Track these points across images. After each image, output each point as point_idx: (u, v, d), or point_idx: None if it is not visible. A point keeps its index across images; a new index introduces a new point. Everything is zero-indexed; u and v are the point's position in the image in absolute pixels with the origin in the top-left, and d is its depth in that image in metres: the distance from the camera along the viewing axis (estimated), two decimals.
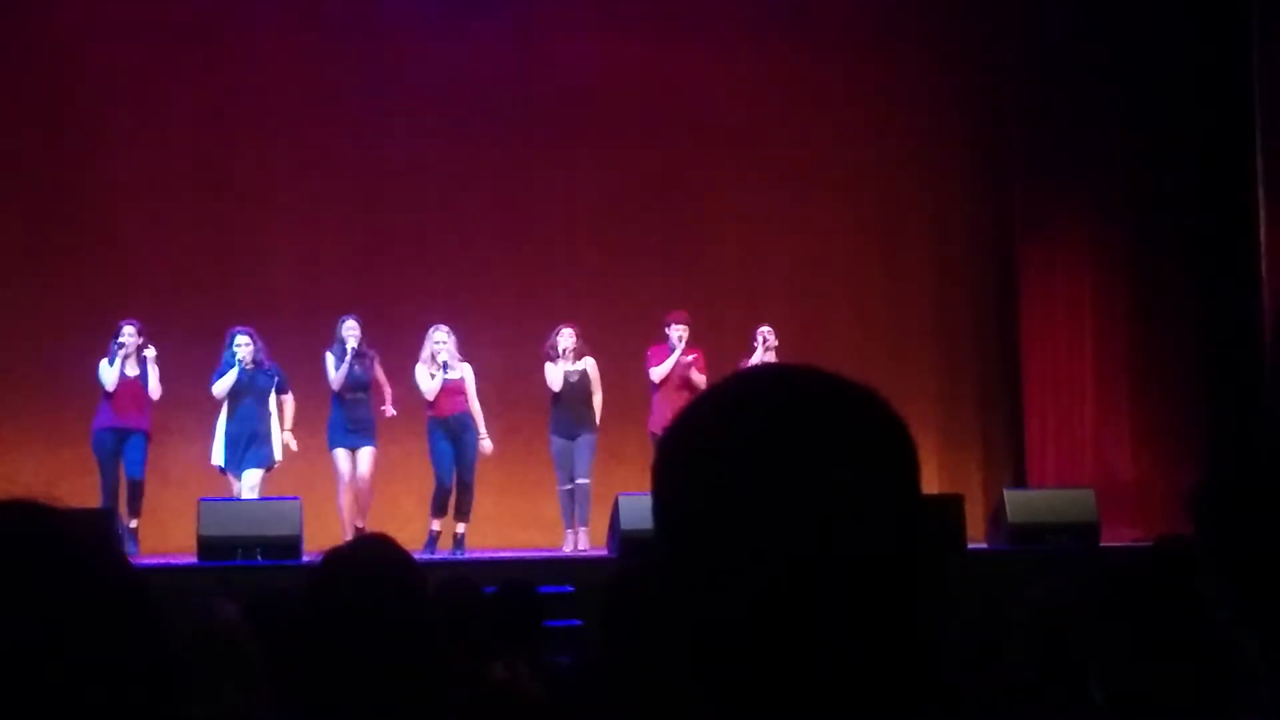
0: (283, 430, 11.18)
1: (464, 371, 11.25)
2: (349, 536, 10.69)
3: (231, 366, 11.04)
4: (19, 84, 12.75)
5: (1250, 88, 12.51)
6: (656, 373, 11.51)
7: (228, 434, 11.05)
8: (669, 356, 11.52)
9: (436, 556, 10.67)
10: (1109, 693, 2.52)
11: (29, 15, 12.78)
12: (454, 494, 11.21)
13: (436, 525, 11.16)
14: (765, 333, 11.58)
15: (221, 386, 11.05)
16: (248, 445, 11.01)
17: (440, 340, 11.17)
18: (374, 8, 13.32)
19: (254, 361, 11.06)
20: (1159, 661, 2.39)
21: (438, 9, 13.30)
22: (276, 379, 11.18)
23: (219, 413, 11.14)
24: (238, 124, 13.02)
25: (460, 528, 11.18)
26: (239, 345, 11.05)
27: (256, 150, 13.04)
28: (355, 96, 13.21)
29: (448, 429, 11.16)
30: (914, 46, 13.67)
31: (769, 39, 13.54)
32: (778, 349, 11.52)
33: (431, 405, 11.17)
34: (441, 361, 11.12)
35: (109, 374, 11.00)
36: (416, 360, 11.28)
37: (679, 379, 11.36)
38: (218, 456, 11.10)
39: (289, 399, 11.25)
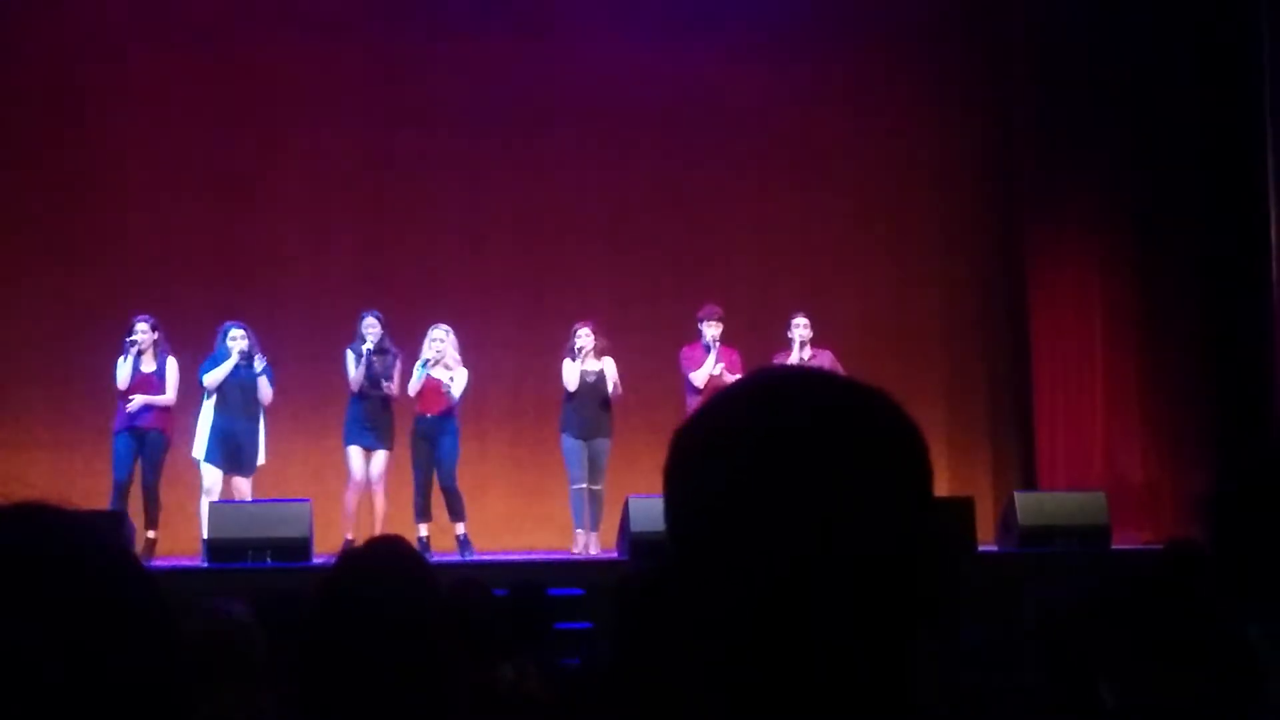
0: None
1: (457, 374, 11.18)
2: (349, 535, 10.70)
3: (225, 358, 10.91)
4: (29, 86, 12.77)
5: (1260, 89, 12.48)
6: (698, 377, 11.27)
7: (213, 429, 10.92)
8: (705, 357, 11.31)
9: (446, 558, 10.63)
10: (1119, 695, 2.52)
11: (39, 17, 12.79)
12: (443, 498, 11.13)
13: (424, 530, 11.00)
14: (801, 325, 11.45)
15: (214, 377, 10.89)
16: (233, 447, 10.90)
17: (436, 338, 11.12)
18: (384, 8, 13.33)
19: (248, 357, 10.95)
20: (1168, 664, 2.38)
21: (448, 9, 13.31)
22: (263, 373, 10.99)
23: (200, 405, 10.99)
24: (248, 124, 13.03)
25: (460, 529, 11.11)
26: (233, 339, 10.94)
27: (267, 150, 13.05)
28: (365, 96, 13.23)
29: (426, 428, 11.10)
30: (924, 49, 13.66)
31: (780, 41, 13.54)
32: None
33: (416, 402, 11.14)
34: (425, 358, 11.03)
35: (122, 371, 10.81)
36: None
37: (717, 384, 11.07)
38: (199, 449, 10.96)
39: (268, 388, 11.04)
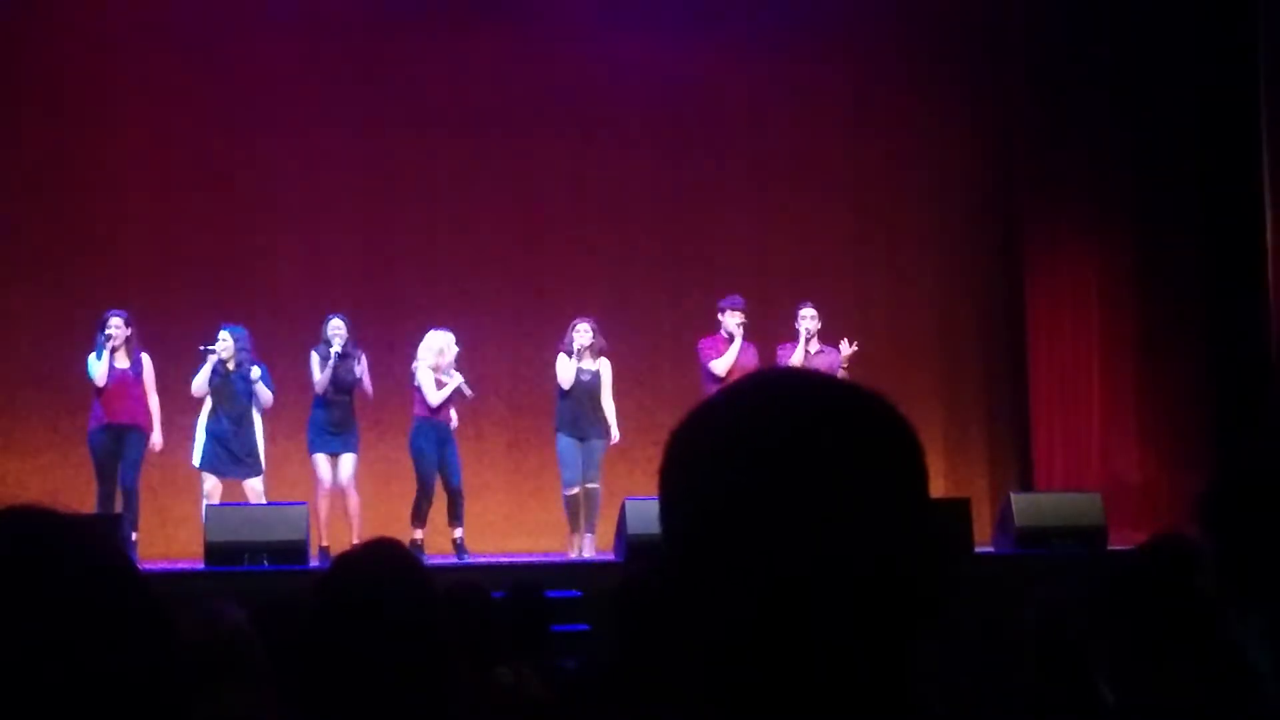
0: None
1: (456, 379, 11.10)
2: (324, 542, 10.68)
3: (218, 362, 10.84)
4: (23, 87, 12.76)
5: (1256, 89, 12.49)
6: (719, 365, 11.02)
7: (208, 434, 10.86)
8: (726, 347, 11.11)
9: (443, 561, 10.61)
10: (1118, 695, 2.52)
11: (33, 19, 12.79)
12: (448, 500, 11.09)
13: (418, 534, 10.92)
14: (808, 316, 11.31)
15: (196, 385, 10.84)
16: (232, 452, 10.84)
17: (448, 348, 11.05)
18: (379, 7, 13.33)
19: (236, 361, 10.87)
20: (1165, 662, 2.38)
21: (443, 8, 13.31)
22: (260, 380, 10.92)
23: (199, 412, 10.95)
24: (242, 124, 13.02)
25: (457, 533, 11.07)
26: (219, 341, 10.86)
27: (261, 150, 13.05)
28: (360, 96, 13.23)
29: (435, 431, 11.02)
30: (921, 51, 13.67)
31: (776, 40, 13.55)
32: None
33: (425, 407, 11.04)
34: (442, 365, 10.96)
35: (99, 368, 10.65)
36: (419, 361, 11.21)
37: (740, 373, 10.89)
38: (196, 456, 10.92)
39: (266, 396, 10.99)
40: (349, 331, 11.09)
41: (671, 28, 13.53)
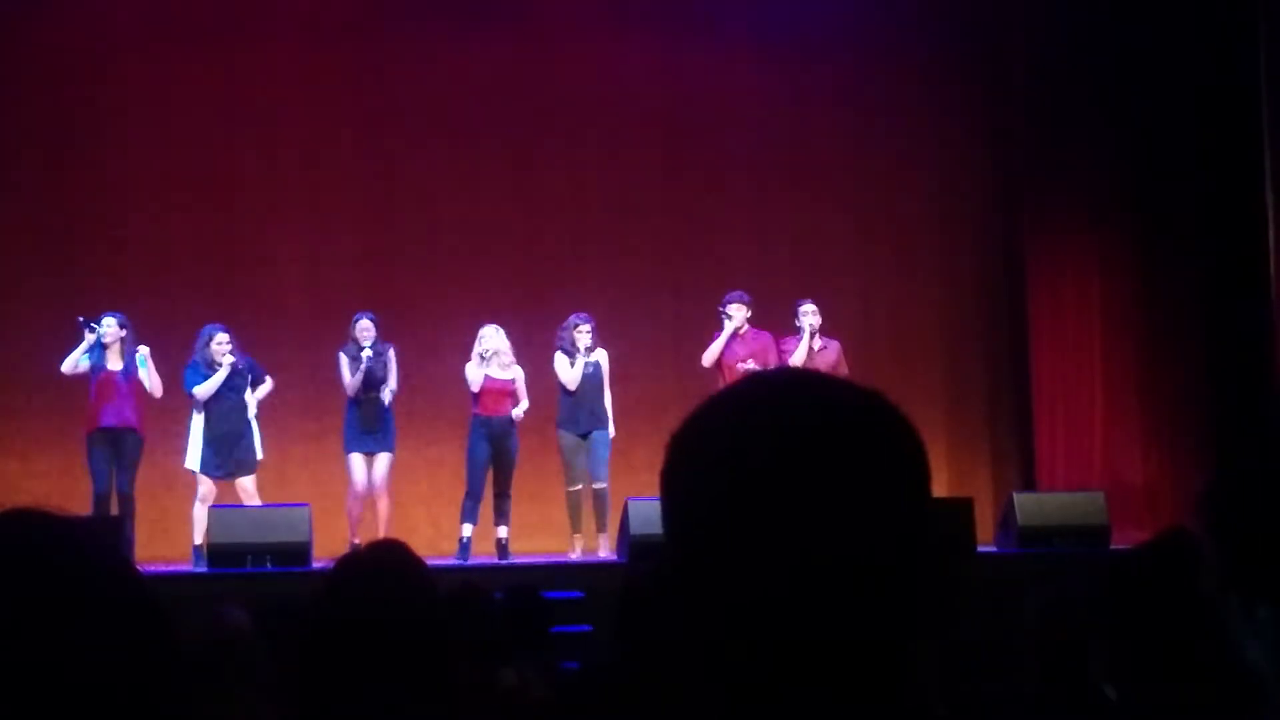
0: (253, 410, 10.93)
1: (516, 374, 11.06)
2: (356, 540, 10.65)
3: (209, 365, 10.72)
4: (25, 90, 12.76)
5: (1257, 90, 12.49)
6: (706, 357, 11.11)
7: (206, 436, 10.78)
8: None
9: (447, 562, 10.59)
10: (1120, 694, 2.52)
11: (35, 22, 12.79)
12: (497, 501, 11.05)
13: (467, 531, 10.91)
14: (809, 312, 11.29)
15: (206, 390, 10.71)
16: (230, 450, 10.77)
17: (487, 335, 10.97)
18: (380, 10, 13.33)
19: (236, 368, 10.80)
20: (1166, 662, 2.38)
21: (444, 10, 13.32)
22: (250, 375, 10.87)
23: (191, 413, 10.84)
24: (244, 128, 13.02)
25: (502, 532, 11.01)
26: (219, 344, 10.75)
27: (262, 153, 13.05)
28: (361, 99, 13.23)
29: (490, 430, 10.95)
30: (922, 52, 13.67)
31: (777, 42, 13.55)
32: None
33: (476, 403, 11.01)
34: (484, 351, 10.87)
35: (74, 361, 10.59)
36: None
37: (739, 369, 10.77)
38: (193, 460, 10.81)
39: (266, 384, 10.96)
40: (376, 330, 11.04)
41: (673, 28, 13.54)
